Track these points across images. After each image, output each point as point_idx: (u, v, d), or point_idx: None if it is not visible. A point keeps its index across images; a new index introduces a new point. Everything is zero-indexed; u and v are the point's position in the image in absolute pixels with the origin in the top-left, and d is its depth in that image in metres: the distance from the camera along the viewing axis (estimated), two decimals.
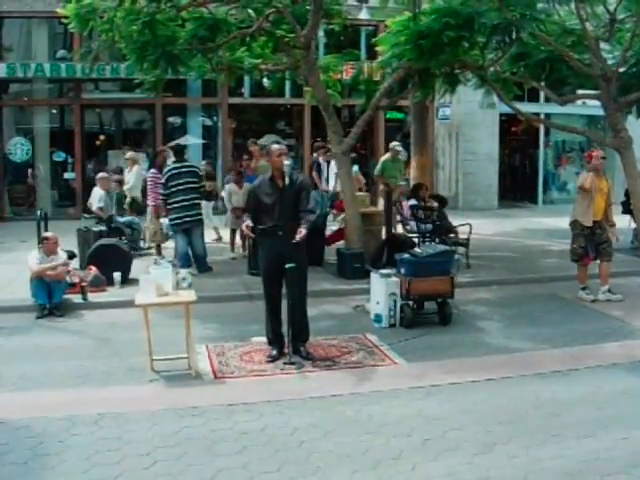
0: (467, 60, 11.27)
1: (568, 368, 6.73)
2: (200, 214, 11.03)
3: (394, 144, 14.47)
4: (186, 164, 10.98)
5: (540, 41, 10.97)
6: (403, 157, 14.76)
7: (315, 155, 14.79)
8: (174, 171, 10.70)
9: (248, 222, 6.88)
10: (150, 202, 11.86)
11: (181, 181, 10.60)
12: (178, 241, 10.84)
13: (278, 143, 7.34)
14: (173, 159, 11.37)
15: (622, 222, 13.65)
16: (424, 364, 6.89)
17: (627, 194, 12.82)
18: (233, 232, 12.62)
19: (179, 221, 10.66)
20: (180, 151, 11.41)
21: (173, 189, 10.59)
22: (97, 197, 12.11)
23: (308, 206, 6.93)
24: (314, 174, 14.63)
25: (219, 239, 13.63)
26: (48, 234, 9.37)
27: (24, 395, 6.14)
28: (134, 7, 10.01)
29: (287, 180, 6.85)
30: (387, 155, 14.35)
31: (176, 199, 10.59)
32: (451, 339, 7.73)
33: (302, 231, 6.68)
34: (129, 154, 14.56)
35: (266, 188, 6.94)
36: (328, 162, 14.44)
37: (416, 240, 11.25)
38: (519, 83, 12.96)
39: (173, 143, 14.21)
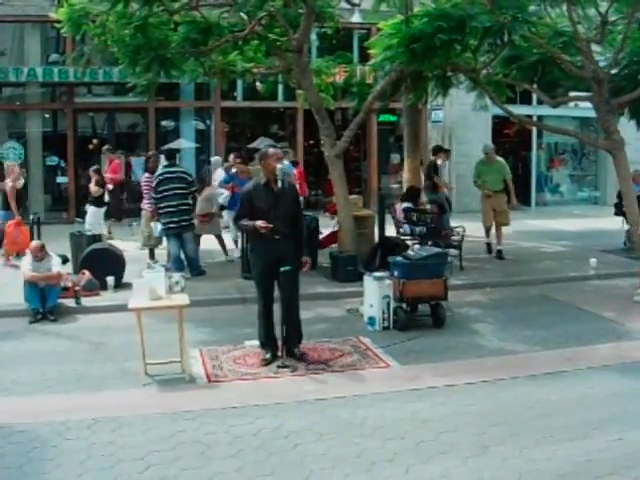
0: (459, 63, 11.31)
1: (561, 370, 6.74)
2: (192, 219, 11.01)
3: (485, 145, 13.29)
4: (177, 169, 10.93)
5: (532, 43, 11.02)
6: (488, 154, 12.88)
7: (434, 158, 14.24)
8: (164, 176, 10.69)
9: (260, 223, 6.70)
10: (146, 206, 11.82)
11: (171, 186, 10.59)
12: (171, 245, 10.86)
13: (273, 147, 7.36)
14: (165, 163, 11.33)
15: (615, 224, 13.73)
16: (418, 367, 6.90)
17: (619, 196, 12.86)
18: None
19: (171, 225, 10.66)
20: (171, 155, 11.37)
21: (164, 194, 10.59)
22: None
23: (299, 215, 7.24)
24: (434, 176, 13.57)
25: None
26: (31, 244, 9.32)
27: (17, 400, 6.12)
28: (126, 11, 10.01)
29: (280, 184, 6.90)
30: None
31: (167, 204, 10.59)
32: (445, 341, 7.73)
33: (308, 262, 7.18)
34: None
35: (261, 192, 6.94)
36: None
37: (409, 243, 11.26)
38: (511, 85, 12.99)
39: (165, 147, 14.10)
